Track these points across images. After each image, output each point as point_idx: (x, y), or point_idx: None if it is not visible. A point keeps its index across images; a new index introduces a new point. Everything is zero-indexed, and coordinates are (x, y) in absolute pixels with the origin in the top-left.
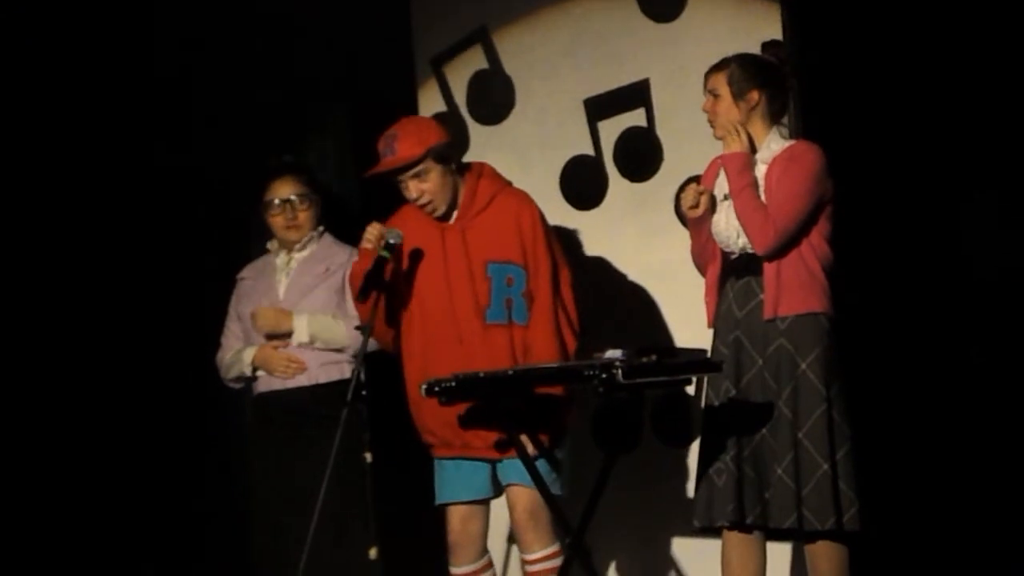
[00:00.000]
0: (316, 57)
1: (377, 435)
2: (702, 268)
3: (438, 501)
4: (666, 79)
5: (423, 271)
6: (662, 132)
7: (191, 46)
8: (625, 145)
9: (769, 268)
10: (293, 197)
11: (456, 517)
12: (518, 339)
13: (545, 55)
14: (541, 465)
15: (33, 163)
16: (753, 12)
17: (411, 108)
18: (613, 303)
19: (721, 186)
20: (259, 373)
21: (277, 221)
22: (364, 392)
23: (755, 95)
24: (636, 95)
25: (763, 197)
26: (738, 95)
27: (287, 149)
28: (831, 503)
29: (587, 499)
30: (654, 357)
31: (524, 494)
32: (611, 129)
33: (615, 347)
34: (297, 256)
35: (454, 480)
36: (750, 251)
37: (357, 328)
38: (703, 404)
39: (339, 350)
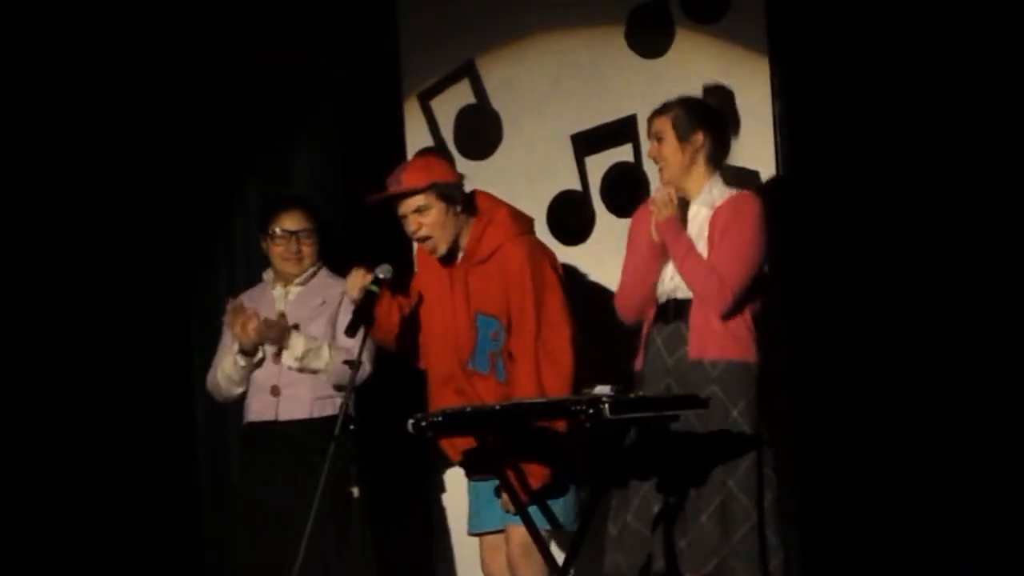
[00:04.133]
0: (302, 92)
1: (368, 468)
2: (636, 308)
3: (468, 532)
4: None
5: (432, 308)
6: (649, 167)
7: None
8: (612, 180)
9: (698, 310)
10: (299, 231)
11: (485, 547)
12: (495, 394)
13: (532, 90)
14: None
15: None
16: (739, 48)
17: (398, 143)
18: (600, 338)
19: (652, 230)
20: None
21: (278, 251)
22: (352, 426)
23: (700, 137)
24: (623, 130)
25: (707, 248)
26: (683, 137)
27: (274, 184)
28: (758, 552)
29: (575, 534)
30: (641, 393)
31: (519, 530)
32: (598, 164)
33: (603, 383)
34: (295, 289)
35: (476, 509)
36: (679, 297)
37: (346, 363)
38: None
39: (316, 371)
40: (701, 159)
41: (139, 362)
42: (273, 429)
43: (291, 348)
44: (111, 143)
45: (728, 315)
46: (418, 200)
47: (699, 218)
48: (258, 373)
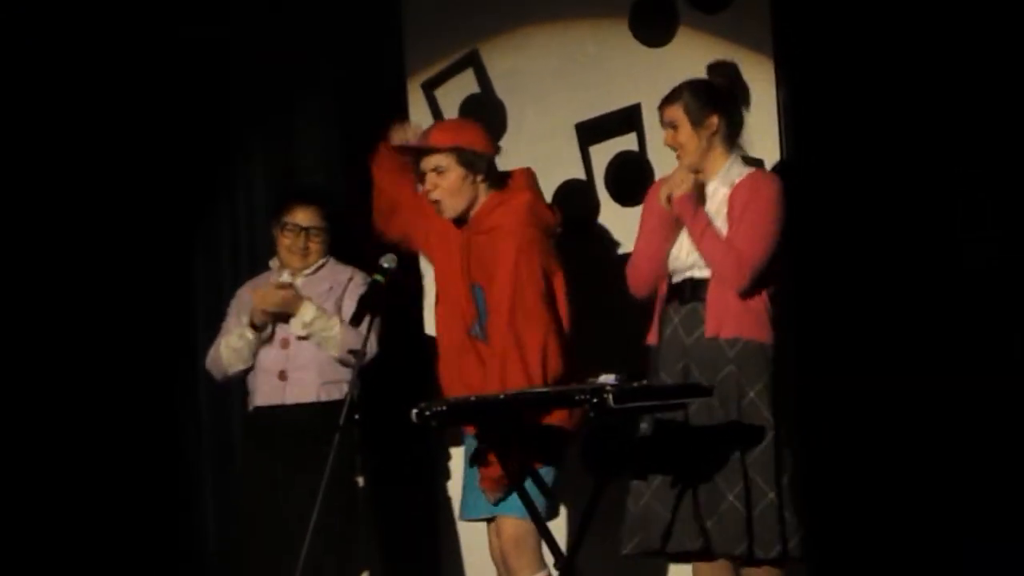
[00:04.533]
0: (306, 81)
1: (373, 457)
2: (647, 281)
3: (465, 517)
4: (657, 103)
5: (443, 270)
6: (653, 156)
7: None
8: (617, 169)
9: (715, 288)
10: (310, 227)
11: (492, 533)
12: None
13: (537, 80)
14: (532, 491)
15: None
16: (743, 36)
17: None
18: (604, 327)
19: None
20: (251, 385)
21: (285, 243)
22: (357, 416)
23: (714, 120)
24: (628, 119)
25: (725, 225)
26: (697, 123)
27: (277, 171)
28: (777, 531)
29: (578, 524)
30: (645, 381)
31: (509, 522)
32: (603, 153)
33: (608, 372)
34: (301, 278)
35: (467, 496)
36: (696, 276)
37: (351, 352)
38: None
39: (326, 340)
40: (718, 141)
41: (142, 348)
42: (280, 413)
43: (300, 314)
44: (111, 126)
45: (746, 293)
46: (438, 159)
47: (717, 196)
48: (265, 357)
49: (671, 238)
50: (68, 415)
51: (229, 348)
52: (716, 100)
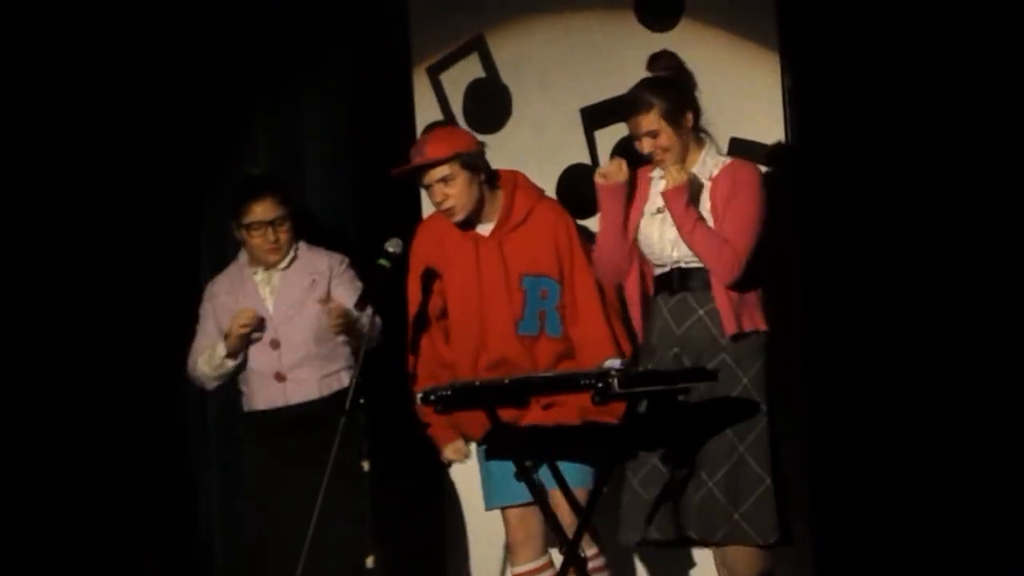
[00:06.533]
0: (313, 66)
1: (378, 442)
2: (617, 269)
3: (489, 506)
4: None
5: (455, 283)
6: None
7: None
8: (621, 154)
9: (720, 287)
10: (274, 219)
11: (514, 518)
12: (548, 351)
13: (542, 64)
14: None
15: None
16: (748, 21)
17: (408, 117)
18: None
19: (654, 200)
20: (245, 386)
21: (256, 243)
22: (362, 400)
23: (689, 116)
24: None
25: (710, 217)
26: (675, 124)
27: (285, 161)
28: (775, 517)
29: (586, 504)
30: (650, 366)
31: (577, 492)
32: (608, 138)
33: (614, 356)
34: (278, 273)
35: (503, 483)
36: (684, 266)
37: (356, 306)
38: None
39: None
40: (692, 135)
41: (148, 335)
42: (282, 414)
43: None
44: (121, 110)
45: (738, 285)
46: (443, 170)
47: (694, 188)
48: (256, 359)
49: (623, 211)
50: (70, 406)
51: (209, 368)
52: (684, 97)
